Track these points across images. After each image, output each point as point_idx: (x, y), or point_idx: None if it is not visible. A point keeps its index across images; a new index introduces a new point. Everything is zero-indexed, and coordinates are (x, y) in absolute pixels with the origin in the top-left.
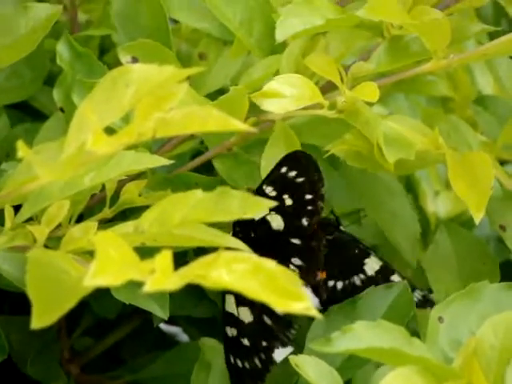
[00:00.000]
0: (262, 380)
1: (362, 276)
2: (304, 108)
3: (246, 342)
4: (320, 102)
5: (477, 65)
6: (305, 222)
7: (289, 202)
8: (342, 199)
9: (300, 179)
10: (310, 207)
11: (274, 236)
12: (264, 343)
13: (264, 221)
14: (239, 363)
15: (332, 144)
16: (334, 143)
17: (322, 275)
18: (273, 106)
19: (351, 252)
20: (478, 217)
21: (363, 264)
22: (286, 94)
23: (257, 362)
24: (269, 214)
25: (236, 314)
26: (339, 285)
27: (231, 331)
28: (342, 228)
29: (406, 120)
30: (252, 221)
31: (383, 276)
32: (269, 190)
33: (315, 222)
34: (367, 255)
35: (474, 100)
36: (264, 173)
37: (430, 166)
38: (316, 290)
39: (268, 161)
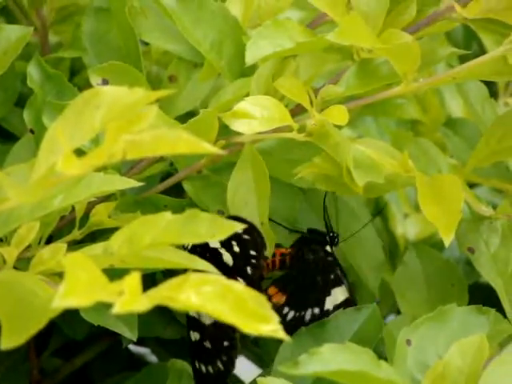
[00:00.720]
0: (225, 383)
1: (316, 310)
2: (274, 130)
3: (208, 344)
4: (290, 124)
5: (447, 88)
6: (249, 270)
7: (236, 249)
8: (310, 222)
9: (246, 236)
10: (253, 261)
11: (224, 266)
12: (226, 343)
13: (218, 251)
14: (203, 368)
15: (301, 167)
16: (303, 166)
17: (279, 299)
18: (242, 127)
19: (323, 278)
20: (448, 239)
21: (328, 294)
22: (256, 116)
23: (219, 364)
24: (221, 247)
25: (197, 316)
26: (291, 314)
27: (194, 335)
28: (328, 249)
29: (374, 143)
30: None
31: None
32: None
33: (258, 274)
34: (338, 284)
35: (444, 123)
36: (230, 196)
37: (400, 188)
38: None
39: (235, 184)
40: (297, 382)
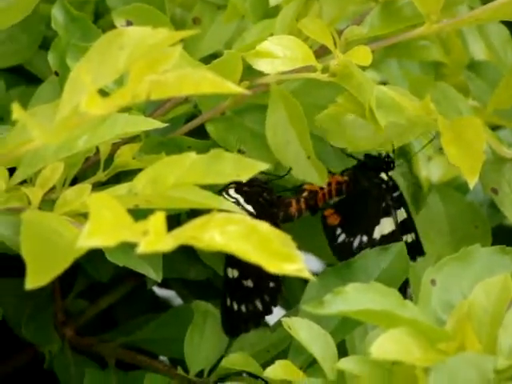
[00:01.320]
0: (258, 324)
1: (364, 238)
2: (297, 71)
3: (249, 283)
4: (313, 64)
5: (469, 30)
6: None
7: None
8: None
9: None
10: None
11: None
12: (271, 284)
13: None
14: (235, 306)
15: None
16: (328, 106)
17: (334, 220)
18: (265, 66)
19: (375, 206)
20: (472, 181)
21: (377, 223)
22: (279, 55)
23: (258, 304)
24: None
25: None
26: (341, 237)
27: (232, 272)
28: (383, 176)
29: (396, 88)
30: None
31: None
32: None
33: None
34: (387, 214)
35: (466, 66)
36: (271, 139)
37: (422, 131)
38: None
39: (272, 126)
40: (323, 322)
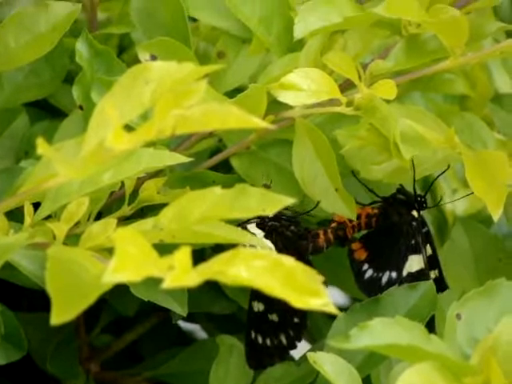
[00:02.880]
0: (283, 357)
1: (393, 274)
2: (321, 105)
3: (274, 317)
4: (338, 97)
5: (494, 63)
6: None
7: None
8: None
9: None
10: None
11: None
12: (296, 319)
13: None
14: (260, 340)
15: (348, 140)
16: (350, 139)
17: (361, 255)
18: (290, 99)
19: (404, 242)
20: (496, 214)
21: (406, 259)
22: (304, 88)
23: (282, 338)
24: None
25: None
26: (369, 273)
27: (258, 306)
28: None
29: (422, 114)
30: None
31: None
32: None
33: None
34: (416, 252)
35: (491, 99)
36: (298, 174)
37: (446, 164)
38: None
39: (298, 161)
40: (348, 357)
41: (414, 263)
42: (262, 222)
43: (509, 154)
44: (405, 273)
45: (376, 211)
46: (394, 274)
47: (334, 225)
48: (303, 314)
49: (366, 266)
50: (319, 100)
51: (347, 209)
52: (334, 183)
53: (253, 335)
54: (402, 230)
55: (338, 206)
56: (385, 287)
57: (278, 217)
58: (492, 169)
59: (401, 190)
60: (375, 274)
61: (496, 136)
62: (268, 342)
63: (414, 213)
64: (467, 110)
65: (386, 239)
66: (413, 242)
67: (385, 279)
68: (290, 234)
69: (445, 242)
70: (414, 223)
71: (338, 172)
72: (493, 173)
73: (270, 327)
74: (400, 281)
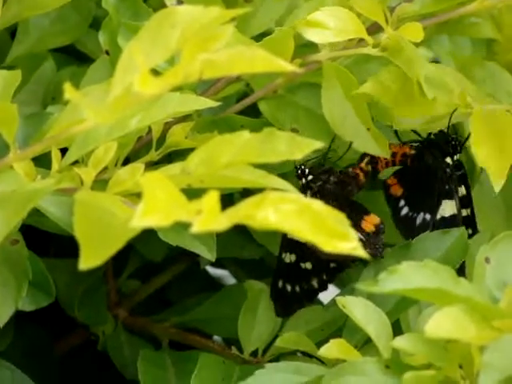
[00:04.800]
0: (311, 300)
1: (427, 216)
2: (348, 47)
3: (307, 265)
4: (364, 37)
5: None
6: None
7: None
8: None
9: None
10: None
11: None
12: (332, 264)
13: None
14: (288, 288)
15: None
16: (370, 79)
17: (397, 190)
18: (316, 37)
19: (439, 186)
20: (498, 184)
21: (440, 204)
22: (330, 26)
23: (314, 283)
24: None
25: None
26: (404, 210)
27: (290, 257)
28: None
29: (440, 68)
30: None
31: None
32: None
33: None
34: (449, 197)
35: None
36: (328, 116)
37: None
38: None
39: (328, 104)
40: (379, 302)
41: (447, 208)
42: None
43: None
44: (438, 216)
45: (412, 152)
46: (427, 216)
47: (367, 159)
48: (343, 259)
49: (402, 203)
50: (345, 38)
51: (379, 147)
52: (364, 123)
53: (280, 284)
54: (437, 175)
55: (370, 145)
56: (419, 228)
57: (313, 174)
58: (502, 131)
59: (437, 134)
60: (410, 213)
61: None
62: (297, 288)
63: (448, 159)
64: (494, 53)
65: (420, 180)
66: (446, 187)
67: (419, 220)
68: (331, 186)
69: (474, 185)
70: (448, 170)
71: (368, 112)
72: (502, 136)
73: (303, 275)
74: (433, 224)
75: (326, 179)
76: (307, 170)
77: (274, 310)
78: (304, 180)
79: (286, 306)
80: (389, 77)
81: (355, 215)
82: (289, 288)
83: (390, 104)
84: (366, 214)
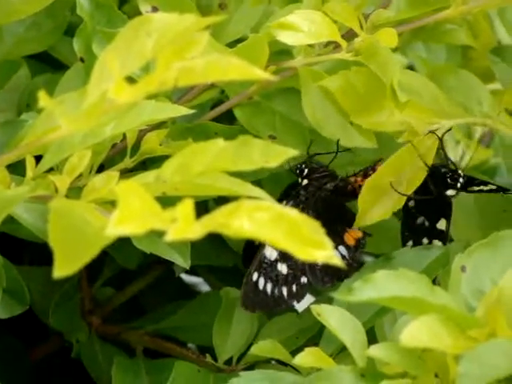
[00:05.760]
0: (276, 308)
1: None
2: (321, 54)
3: (283, 268)
4: (338, 41)
5: (496, 14)
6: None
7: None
8: None
9: None
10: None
11: None
12: (303, 279)
13: None
14: (261, 284)
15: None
16: (334, 76)
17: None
18: (289, 39)
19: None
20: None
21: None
22: (304, 29)
23: (284, 291)
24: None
25: None
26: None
27: (271, 252)
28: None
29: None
30: None
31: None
32: None
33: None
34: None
35: (492, 50)
36: (311, 117)
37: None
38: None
39: (310, 107)
40: (358, 313)
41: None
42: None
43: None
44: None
45: None
46: (425, 241)
47: (371, 173)
48: (312, 274)
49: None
50: (318, 41)
51: (366, 140)
52: (347, 119)
53: (255, 277)
54: (436, 203)
55: (356, 138)
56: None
57: (313, 176)
58: None
59: (438, 166)
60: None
61: (490, 87)
62: (268, 289)
63: (451, 192)
64: (470, 60)
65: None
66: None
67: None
68: (327, 192)
69: None
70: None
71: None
72: None
73: (276, 277)
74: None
75: (323, 183)
76: (306, 170)
77: (241, 301)
78: (301, 180)
79: (253, 300)
80: (358, 79)
81: (341, 226)
82: (261, 284)
83: (350, 105)
84: (350, 227)
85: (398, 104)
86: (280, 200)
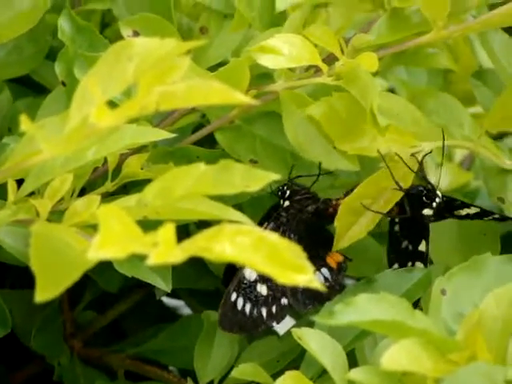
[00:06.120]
0: (255, 330)
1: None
2: (302, 78)
3: (263, 289)
4: (319, 65)
5: (477, 38)
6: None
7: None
8: None
9: None
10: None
11: None
12: (283, 301)
13: None
14: (240, 304)
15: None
16: (317, 102)
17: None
18: (270, 62)
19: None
20: None
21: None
22: (284, 52)
23: (263, 312)
24: None
25: None
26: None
27: (251, 274)
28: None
29: (391, 97)
30: None
31: None
32: None
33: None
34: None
35: (473, 74)
36: (293, 140)
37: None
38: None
39: (292, 130)
40: (338, 336)
41: (422, 245)
42: (281, 214)
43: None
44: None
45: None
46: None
47: None
48: (294, 297)
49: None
50: (299, 64)
51: (349, 163)
52: (330, 142)
53: (233, 297)
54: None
55: (340, 162)
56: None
57: (294, 197)
58: None
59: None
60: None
61: (472, 110)
62: (247, 309)
63: (428, 212)
64: (451, 83)
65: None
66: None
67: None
68: (308, 215)
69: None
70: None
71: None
72: None
73: (255, 297)
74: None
75: (305, 206)
76: (288, 192)
77: (219, 322)
78: (283, 202)
79: (231, 320)
80: (340, 104)
81: (323, 248)
82: (240, 304)
83: (333, 132)
84: (331, 250)
85: (378, 128)
86: (261, 222)
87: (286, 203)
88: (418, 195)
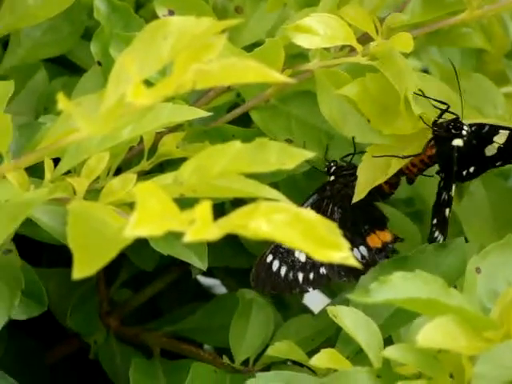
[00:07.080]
0: (289, 291)
1: None
2: (336, 58)
3: (302, 256)
4: (353, 45)
5: (511, 17)
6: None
7: None
8: None
9: None
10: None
11: None
12: (322, 270)
13: None
14: (276, 266)
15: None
16: (355, 81)
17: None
18: (305, 42)
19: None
20: None
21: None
22: (320, 32)
23: (300, 277)
24: None
25: None
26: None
27: None
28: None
29: (426, 78)
30: None
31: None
32: None
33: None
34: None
35: (506, 54)
36: (332, 120)
37: None
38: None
39: (327, 106)
40: (373, 314)
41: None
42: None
43: None
44: None
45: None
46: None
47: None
48: (329, 266)
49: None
50: (334, 44)
51: (383, 137)
52: (364, 116)
53: (269, 258)
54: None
55: (372, 135)
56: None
57: (340, 173)
58: None
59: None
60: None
61: (506, 89)
62: (282, 272)
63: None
64: (484, 63)
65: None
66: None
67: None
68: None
69: (463, 196)
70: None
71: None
72: None
73: (292, 262)
74: None
75: (350, 181)
76: (334, 168)
77: (252, 280)
78: (330, 177)
79: (264, 280)
80: (374, 85)
81: (367, 226)
82: (276, 266)
83: (368, 112)
84: (380, 229)
85: (412, 117)
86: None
87: (332, 178)
88: (445, 128)
